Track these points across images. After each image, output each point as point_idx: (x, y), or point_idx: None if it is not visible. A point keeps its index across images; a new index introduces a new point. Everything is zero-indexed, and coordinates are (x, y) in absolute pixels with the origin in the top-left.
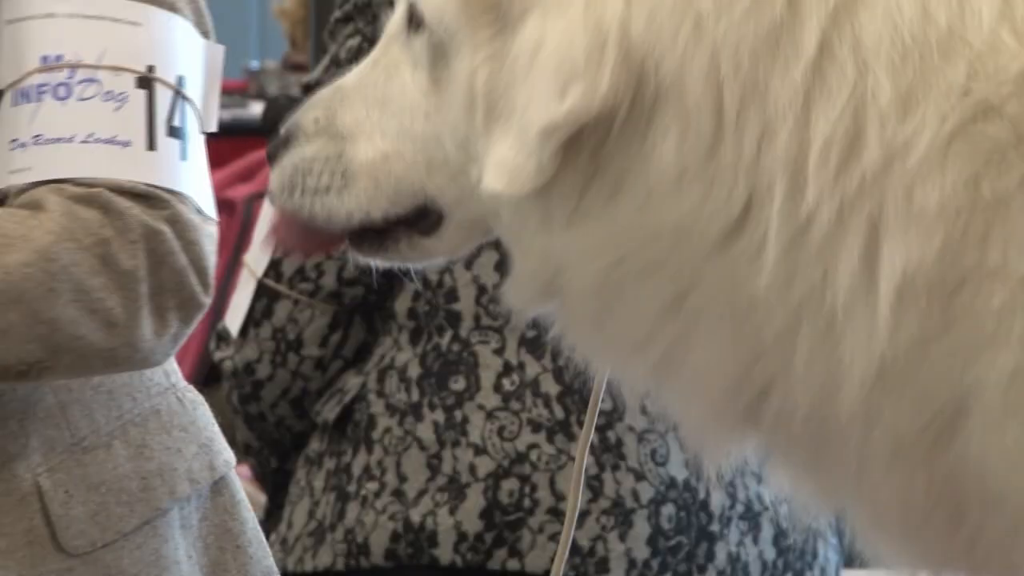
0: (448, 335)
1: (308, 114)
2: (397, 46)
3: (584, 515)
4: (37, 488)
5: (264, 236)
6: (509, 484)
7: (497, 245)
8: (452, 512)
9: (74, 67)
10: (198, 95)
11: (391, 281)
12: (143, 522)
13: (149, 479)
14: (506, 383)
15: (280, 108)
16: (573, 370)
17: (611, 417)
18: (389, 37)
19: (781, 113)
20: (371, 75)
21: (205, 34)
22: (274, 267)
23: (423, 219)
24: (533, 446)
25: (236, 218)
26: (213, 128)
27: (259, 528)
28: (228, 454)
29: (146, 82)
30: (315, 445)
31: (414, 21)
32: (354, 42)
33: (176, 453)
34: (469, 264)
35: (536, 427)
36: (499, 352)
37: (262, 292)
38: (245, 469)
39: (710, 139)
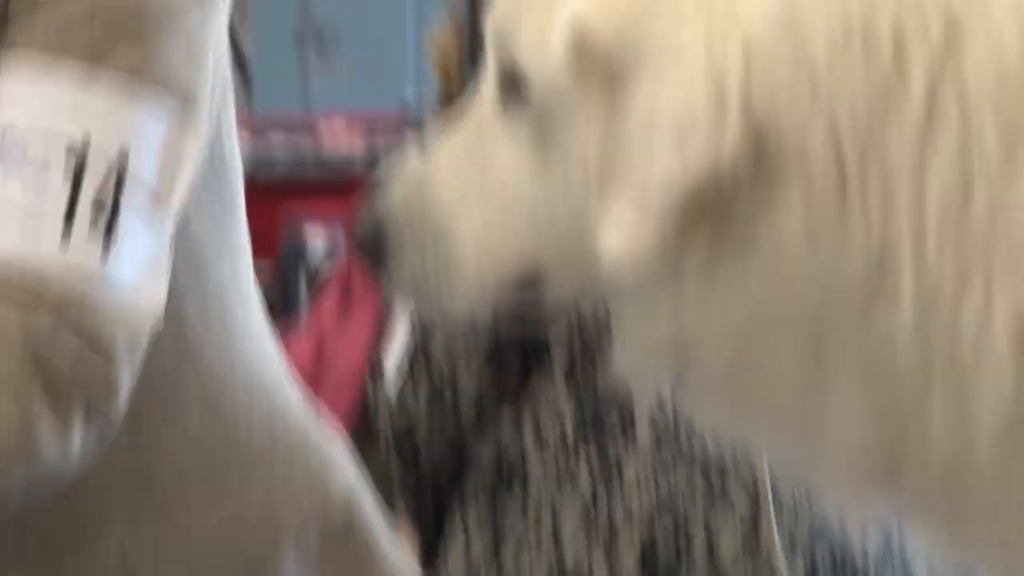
0: (603, 372)
1: (394, 198)
2: (491, 115)
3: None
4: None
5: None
6: (664, 522)
7: None
8: (607, 553)
9: (4, 129)
10: (150, 170)
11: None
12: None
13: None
14: (659, 419)
15: None
16: None
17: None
18: (481, 106)
19: (899, 167)
20: (464, 146)
21: (189, 100)
22: None
23: (532, 285)
24: (691, 483)
25: None
26: (174, 207)
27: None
28: (350, 479)
29: (78, 151)
30: (470, 483)
31: (511, 90)
32: None
33: (290, 479)
34: None
35: (692, 463)
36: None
37: (417, 328)
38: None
39: (836, 195)
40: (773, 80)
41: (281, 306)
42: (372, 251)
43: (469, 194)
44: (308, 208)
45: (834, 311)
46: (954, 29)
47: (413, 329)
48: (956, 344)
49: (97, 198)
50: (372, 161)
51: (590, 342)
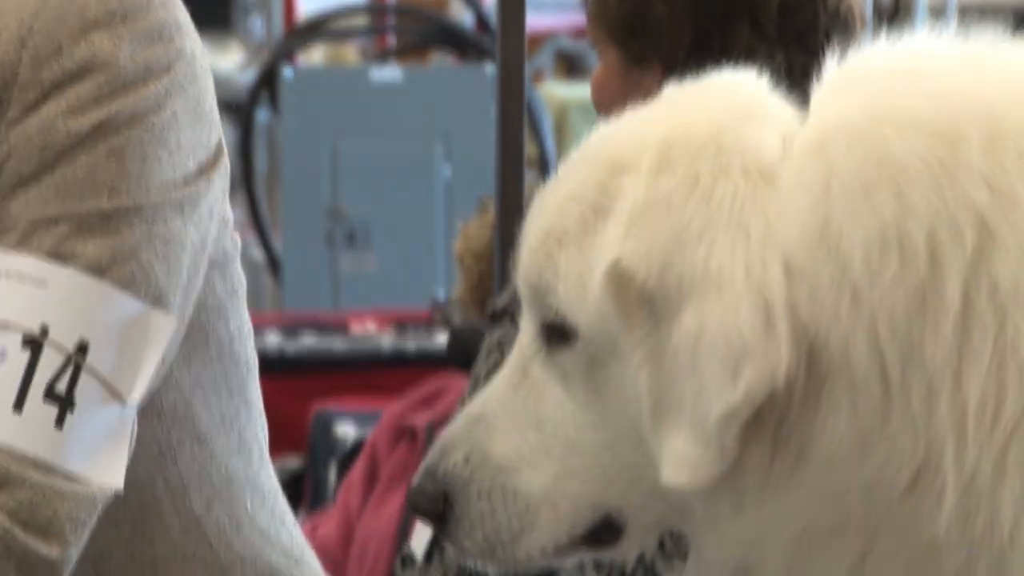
0: (632, 560)
1: (450, 458)
2: (536, 365)
3: None
4: None
5: None
6: None
7: None
8: None
9: None
10: (112, 363)
11: None
12: None
13: None
14: None
15: (465, 336)
16: None
17: None
18: (525, 358)
19: (939, 372)
20: (515, 399)
21: (156, 302)
22: None
23: (605, 532)
24: None
25: (419, 445)
26: (136, 398)
27: None
28: None
29: (33, 342)
30: None
31: (558, 337)
32: None
33: None
34: None
35: None
36: None
37: None
38: None
39: (880, 405)
40: (816, 295)
41: (311, 498)
42: (435, 518)
43: (530, 447)
44: (338, 403)
45: (881, 505)
46: (986, 235)
47: None
48: (996, 532)
49: (51, 390)
50: (401, 358)
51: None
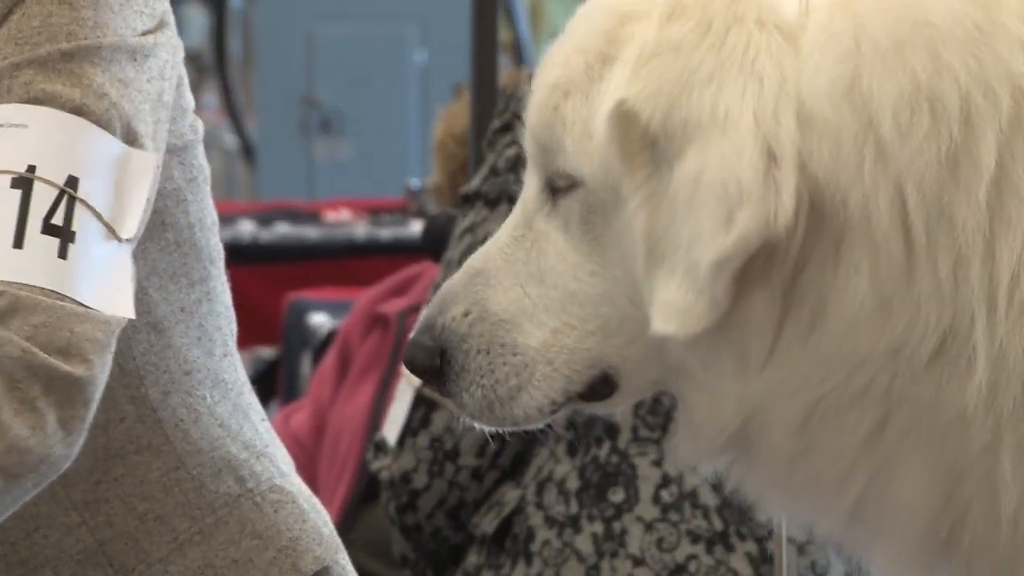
0: (606, 447)
1: (448, 312)
2: (540, 219)
3: None
4: None
5: None
6: None
7: None
8: None
9: None
10: (103, 199)
11: None
12: None
13: None
14: (664, 495)
15: (440, 224)
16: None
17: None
18: (527, 212)
19: (970, 239)
20: (516, 252)
21: (132, 142)
22: None
23: (600, 389)
24: (692, 557)
25: (391, 332)
26: (129, 233)
27: None
28: (320, 550)
29: (23, 182)
30: (473, 558)
31: (560, 188)
32: (512, 152)
33: (246, 564)
34: None
35: (695, 538)
36: (657, 464)
37: (420, 401)
38: None
39: (904, 268)
40: (838, 150)
41: (286, 388)
42: (431, 373)
43: (530, 301)
44: (313, 294)
45: (905, 374)
46: (1023, 101)
47: (416, 403)
48: None
49: (48, 223)
50: (375, 246)
51: (594, 419)
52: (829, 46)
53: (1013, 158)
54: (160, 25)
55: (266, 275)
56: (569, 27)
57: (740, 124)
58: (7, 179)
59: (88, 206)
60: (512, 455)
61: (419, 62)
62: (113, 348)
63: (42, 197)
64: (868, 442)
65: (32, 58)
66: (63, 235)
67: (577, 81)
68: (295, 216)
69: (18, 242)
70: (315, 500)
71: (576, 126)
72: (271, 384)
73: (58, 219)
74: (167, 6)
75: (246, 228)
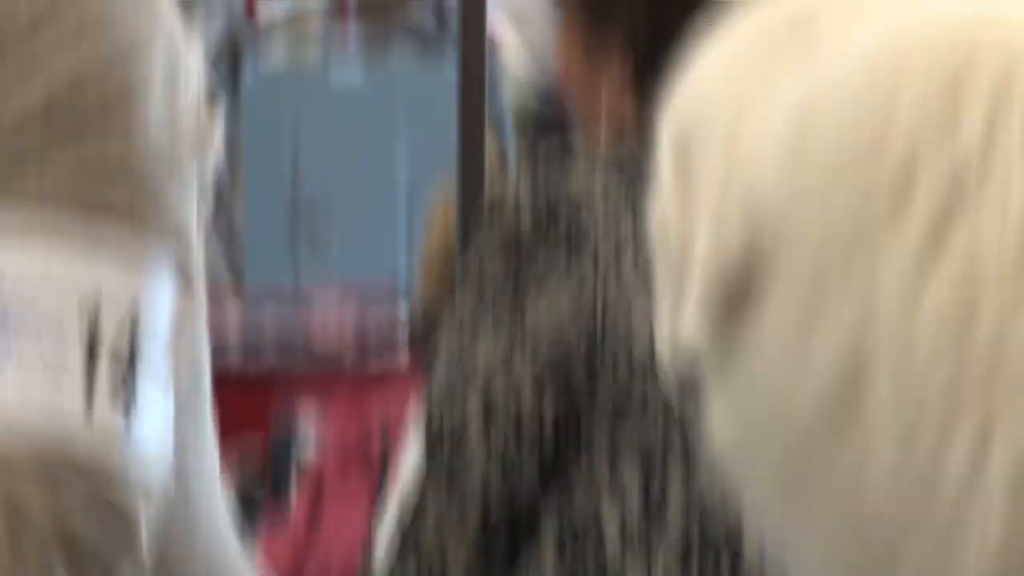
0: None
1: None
2: None
3: None
4: None
5: None
6: None
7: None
8: None
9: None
10: (163, 319)
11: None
12: None
13: None
14: None
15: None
16: None
17: None
18: None
19: (887, 295)
20: None
21: (189, 249)
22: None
23: None
24: None
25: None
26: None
27: None
28: None
29: (91, 307)
30: None
31: None
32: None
33: None
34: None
35: None
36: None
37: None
38: None
39: (812, 296)
40: (774, 175)
41: (271, 498)
42: None
43: None
44: (300, 398)
45: (804, 431)
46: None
47: (402, 516)
48: (939, 490)
49: (114, 354)
50: (362, 351)
51: (580, 525)
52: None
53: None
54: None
55: (251, 380)
56: None
57: (719, 140)
58: (75, 301)
59: (149, 333)
60: (500, 567)
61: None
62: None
63: (109, 323)
64: (779, 491)
65: (92, 158)
66: (129, 370)
67: None
68: (281, 301)
69: (89, 378)
70: None
71: None
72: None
73: (123, 350)
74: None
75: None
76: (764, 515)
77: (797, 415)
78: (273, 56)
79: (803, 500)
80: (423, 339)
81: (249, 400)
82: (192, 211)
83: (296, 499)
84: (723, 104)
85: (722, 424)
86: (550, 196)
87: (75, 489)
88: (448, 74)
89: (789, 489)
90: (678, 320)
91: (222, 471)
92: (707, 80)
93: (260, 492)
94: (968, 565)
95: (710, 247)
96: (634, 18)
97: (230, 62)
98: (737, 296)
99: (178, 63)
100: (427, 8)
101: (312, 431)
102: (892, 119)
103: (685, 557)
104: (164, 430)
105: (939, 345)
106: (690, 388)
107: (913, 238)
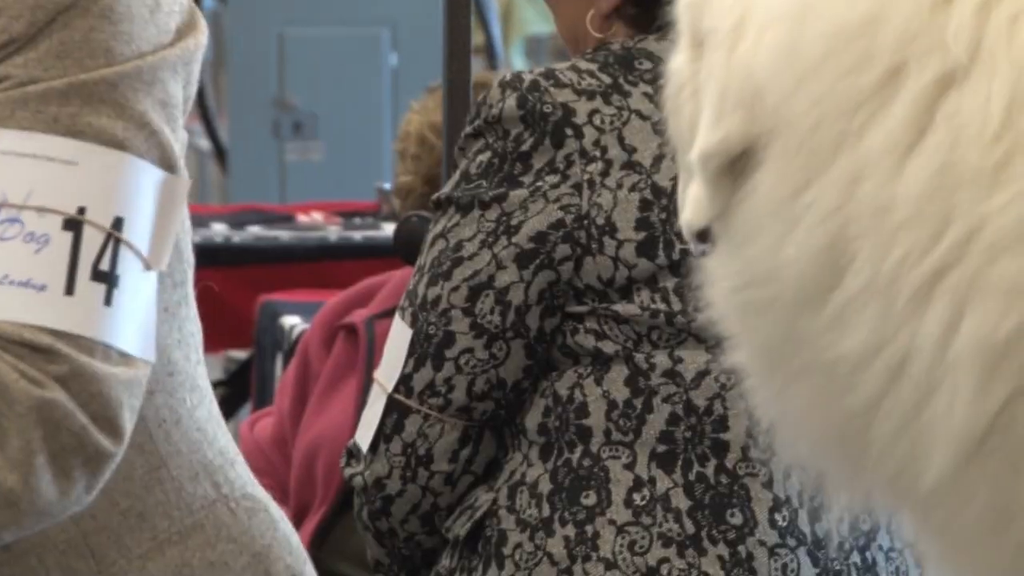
0: (579, 450)
1: None
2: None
3: None
4: None
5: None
6: None
7: (627, 360)
8: None
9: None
10: (144, 235)
11: (521, 396)
12: None
13: None
14: (637, 498)
15: (412, 228)
16: (704, 485)
17: (742, 532)
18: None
19: (873, 162)
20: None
21: (170, 167)
22: (404, 382)
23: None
24: (664, 560)
25: (360, 340)
26: (163, 265)
27: None
28: (291, 559)
29: (73, 224)
30: (446, 562)
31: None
32: (484, 157)
33: (222, 567)
34: (599, 380)
35: (667, 541)
36: (630, 467)
37: (392, 407)
38: None
39: (799, 178)
40: (775, 58)
41: (258, 391)
42: None
43: None
44: (285, 296)
45: (790, 292)
46: (951, 74)
47: (388, 409)
48: (913, 363)
49: (96, 268)
50: (348, 249)
51: (567, 423)
52: None
53: (936, 111)
54: (192, 20)
55: (238, 277)
56: None
57: (725, 29)
58: (59, 220)
59: (132, 247)
60: (485, 460)
61: (391, 65)
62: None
63: (91, 241)
64: (769, 354)
65: (77, 84)
66: (109, 281)
67: None
68: (267, 219)
69: (69, 289)
70: (281, 511)
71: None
72: (244, 386)
73: (105, 264)
74: None
75: (218, 231)
76: (755, 376)
77: (785, 275)
78: None
79: (787, 363)
80: (403, 219)
81: (235, 288)
82: (178, 138)
83: (281, 374)
84: None
85: (723, 283)
86: (539, 92)
87: (54, 358)
88: None
89: (776, 351)
90: (688, 188)
91: (206, 345)
92: None
93: (245, 365)
94: (936, 436)
95: (713, 123)
96: None
97: None
98: (739, 162)
99: None
100: None
101: (297, 317)
102: (888, 14)
103: (670, 429)
104: (147, 300)
105: (919, 211)
106: (702, 254)
107: (903, 110)
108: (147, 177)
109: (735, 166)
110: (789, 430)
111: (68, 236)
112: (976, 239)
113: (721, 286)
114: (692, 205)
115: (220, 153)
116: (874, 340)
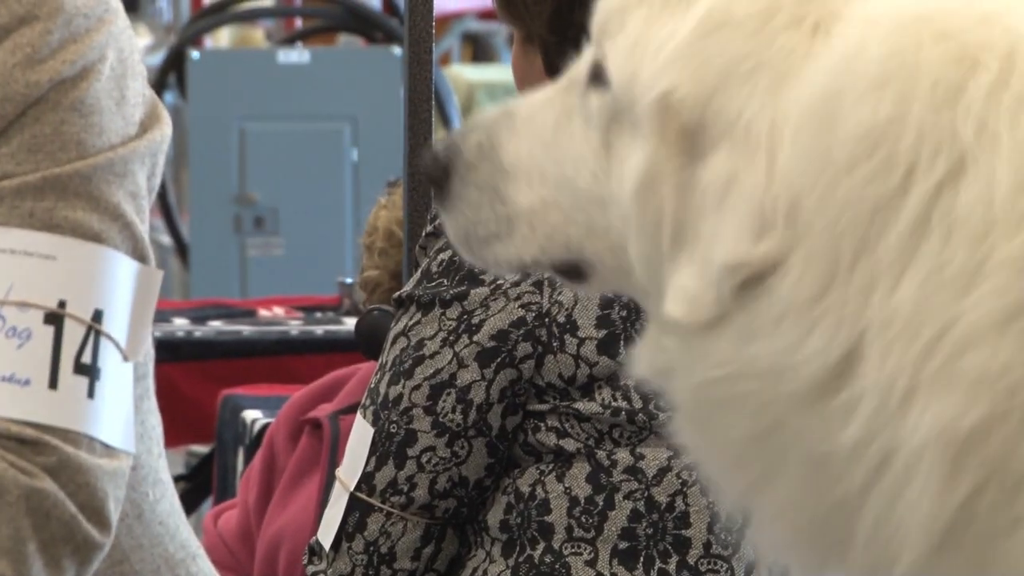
0: (541, 547)
1: (471, 137)
2: (574, 94)
3: None
4: None
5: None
6: None
7: (588, 457)
8: None
9: None
10: (122, 327)
11: (483, 494)
12: None
13: None
14: None
15: (373, 321)
16: None
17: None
18: (570, 81)
19: (884, 269)
20: (543, 113)
21: (142, 258)
22: (366, 480)
23: (571, 272)
24: None
25: (325, 434)
26: (139, 357)
27: None
28: None
29: (55, 318)
30: None
31: (597, 77)
32: (445, 255)
33: None
34: (561, 477)
35: None
36: (592, 563)
37: (354, 505)
38: None
39: (821, 283)
40: (803, 165)
41: (219, 486)
42: (436, 183)
43: (533, 161)
44: (247, 390)
45: (786, 396)
46: (960, 167)
47: (351, 507)
48: (896, 454)
49: (78, 361)
50: (309, 343)
51: (528, 520)
52: (828, 59)
53: (934, 210)
54: (154, 112)
55: (200, 372)
56: None
57: (760, 136)
58: (40, 314)
59: (111, 339)
60: (448, 558)
61: (352, 160)
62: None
63: (73, 334)
64: (750, 445)
65: (51, 179)
66: (91, 373)
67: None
68: (229, 313)
69: (53, 383)
70: None
71: (629, 39)
72: (206, 481)
73: (87, 357)
74: (150, 89)
75: (180, 325)
76: (720, 469)
77: (798, 374)
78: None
79: (767, 456)
80: (364, 313)
81: (196, 383)
82: (146, 226)
83: (243, 468)
84: (742, 80)
85: (695, 375)
86: None
87: (42, 449)
88: (395, 61)
89: (756, 444)
90: (673, 279)
91: (168, 438)
92: (715, 53)
93: (206, 459)
94: (909, 526)
95: (751, 236)
96: (534, 7)
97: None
98: (759, 270)
99: (128, 51)
100: None
101: (259, 411)
102: (907, 114)
103: (632, 526)
104: (125, 391)
105: (909, 323)
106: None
107: (907, 214)
108: (123, 269)
109: (755, 271)
110: (763, 522)
111: (50, 330)
112: (949, 334)
113: (691, 378)
114: (689, 302)
115: (181, 248)
116: (867, 434)
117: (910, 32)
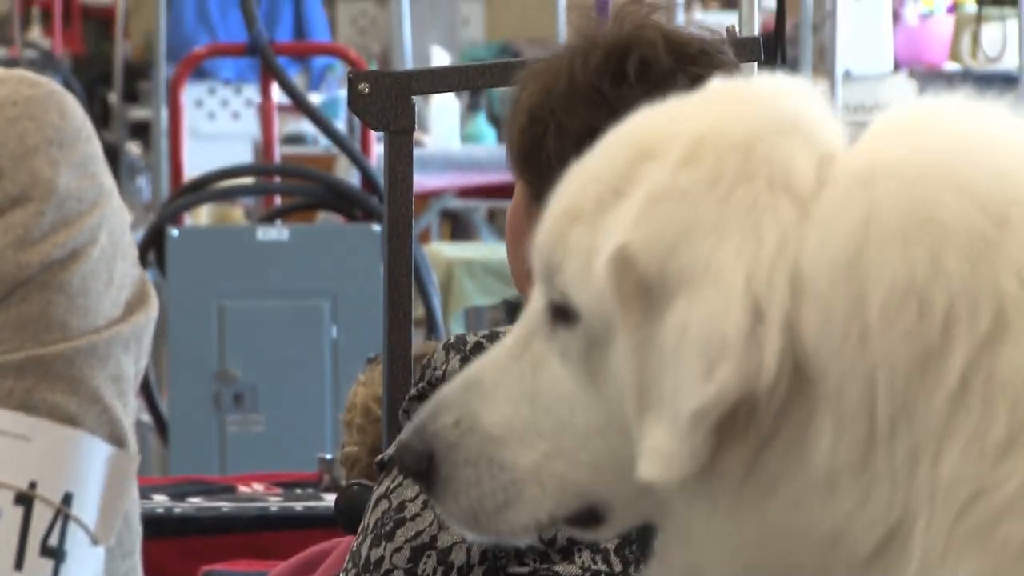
0: None
1: (440, 419)
2: (539, 340)
3: None
4: None
5: None
6: None
7: None
8: None
9: None
10: (92, 510)
11: None
12: None
13: None
14: None
15: (353, 496)
16: None
17: None
18: (529, 332)
19: (925, 439)
20: (512, 370)
21: (119, 441)
22: None
23: (587, 518)
24: None
25: None
26: (110, 541)
27: None
28: None
29: (24, 499)
30: None
31: (562, 315)
32: None
33: None
34: None
35: None
36: None
37: None
38: None
39: (863, 447)
40: (827, 324)
41: None
42: (419, 475)
43: (522, 421)
44: (227, 567)
45: (845, 562)
46: (1002, 324)
47: None
48: None
49: (45, 544)
50: (289, 519)
51: None
52: (838, 221)
53: (976, 374)
54: (142, 292)
55: (180, 548)
56: (591, 153)
57: (732, 281)
58: (11, 495)
59: (80, 523)
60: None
61: (331, 337)
62: None
63: (41, 516)
64: None
65: (34, 359)
66: (57, 556)
67: (587, 210)
68: (208, 490)
69: (18, 564)
70: None
71: (579, 256)
72: None
73: (54, 540)
74: (140, 270)
75: (159, 501)
76: None
77: (852, 540)
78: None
79: None
80: (344, 488)
81: (176, 559)
82: (129, 413)
83: None
84: (723, 243)
85: (726, 543)
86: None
87: None
88: (374, 239)
89: None
90: (647, 441)
91: None
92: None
93: None
94: None
95: (730, 366)
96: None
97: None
98: (776, 423)
99: (120, 232)
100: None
101: None
102: (942, 268)
103: None
104: (93, 575)
105: (950, 502)
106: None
107: (950, 378)
108: (97, 453)
109: (727, 421)
110: None
111: (19, 511)
112: (985, 501)
113: (723, 547)
114: (663, 460)
115: (161, 425)
116: None
117: (923, 189)
